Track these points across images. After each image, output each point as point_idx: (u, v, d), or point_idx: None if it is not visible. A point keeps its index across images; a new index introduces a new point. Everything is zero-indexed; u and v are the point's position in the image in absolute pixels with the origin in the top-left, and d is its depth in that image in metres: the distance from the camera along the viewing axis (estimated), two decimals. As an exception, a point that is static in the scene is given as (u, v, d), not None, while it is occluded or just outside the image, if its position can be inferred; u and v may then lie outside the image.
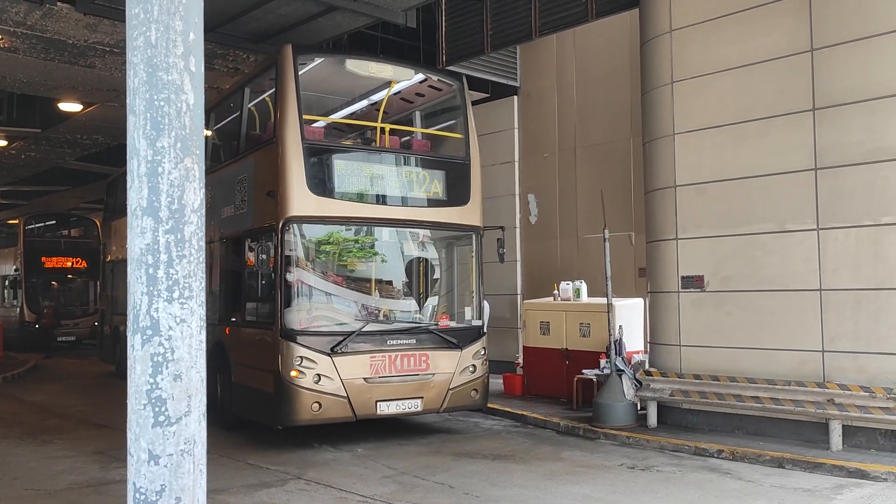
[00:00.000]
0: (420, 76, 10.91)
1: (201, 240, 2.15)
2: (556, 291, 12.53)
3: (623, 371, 10.26)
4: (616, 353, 10.39)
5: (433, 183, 10.01)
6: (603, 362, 10.87)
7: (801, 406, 8.70)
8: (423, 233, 10.14)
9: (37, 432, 10.38)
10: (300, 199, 8.88)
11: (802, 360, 8.94)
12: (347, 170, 9.49)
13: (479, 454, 8.80)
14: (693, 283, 9.97)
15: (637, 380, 10.23)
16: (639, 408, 10.19)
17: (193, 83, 2.16)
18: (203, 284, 2.16)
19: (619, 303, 11.20)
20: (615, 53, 13.74)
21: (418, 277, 10.41)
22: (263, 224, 9.27)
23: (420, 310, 10.23)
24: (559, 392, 12.07)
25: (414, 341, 9.41)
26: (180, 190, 2.11)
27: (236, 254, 10.34)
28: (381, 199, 9.67)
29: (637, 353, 11.30)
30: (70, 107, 17.24)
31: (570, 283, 12.41)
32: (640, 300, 11.91)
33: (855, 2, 8.73)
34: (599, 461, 8.50)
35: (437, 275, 10.51)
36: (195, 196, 2.13)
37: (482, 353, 10.05)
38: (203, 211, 2.18)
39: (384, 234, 9.89)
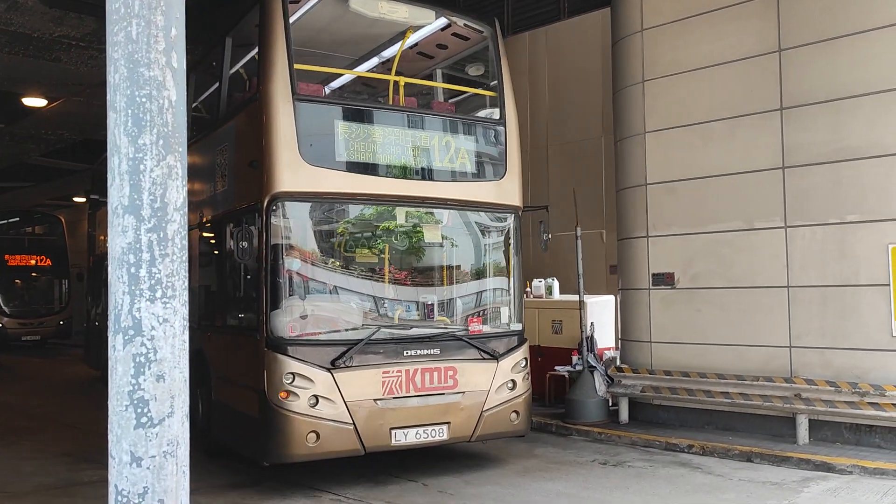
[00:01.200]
0: (442, 20, 8.53)
1: (184, 238, 2.13)
2: (528, 289, 12.59)
3: (595, 368, 10.35)
4: (588, 350, 10.47)
5: (461, 152, 7.91)
6: (575, 359, 10.95)
7: (769, 401, 8.84)
8: (449, 214, 8.00)
9: (3, 433, 10.17)
10: (291, 170, 6.88)
11: (770, 355, 9.10)
12: (351, 134, 7.35)
13: (452, 451, 8.82)
14: (663, 280, 10.09)
15: (608, 376, 10.32)
16: (610, 404, 10.29)
17: (175, 79, 2.13)
18: (186, 284, 2.13)
19: (590, 300, 11.28)
20: (587, 52, 13.84)
21: (442, 271, 8.32)
22: (245, 203, 7.35)
23: (445, 311, 8.17)
24: (531, 389, 12.11)
25: (438, 351, 7.29)
26: (162, 188, 2.09)
27: (216, 242, 8.40)
28: (394, 172, 7.50)
29: (608, 349, 11.40)
30: (34, 101, 16.90)
31: (542, 280, 12.47)
32: (612, 297, 12.02)
33: (820, 4, 8.89)
34: (572, 457, 8.57)
35: (465, 267, 8.47)
36: (178, 194, 2.11)
37: (523, 364, 7.93)
38: (186, 209, 2.15)
39: (399, 217, 7.74)
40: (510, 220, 8.21)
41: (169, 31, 2.10)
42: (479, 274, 8.42)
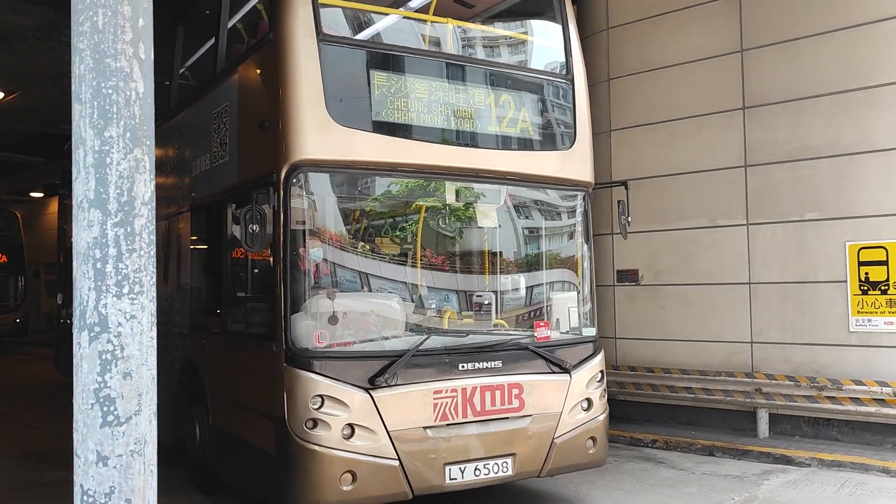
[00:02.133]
0: None
1: (152, 234, 2.09)
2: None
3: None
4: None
5: (521, 113, 6.31)
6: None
7: (730, 396, 8.99)
8: (509, 191, 6.39)
9: (-44, 434, 9.90)
10: (317, 132, 5.32)
11: (732, 351, 9.25)
12: (391, 87, 5.68)
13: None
14: (628, 276, 10.20)
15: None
16: (576, 399, 10.31)
17: (143, 71, 2.09)
18: (154, 280, 2.09)
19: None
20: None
21: (501, 262, 6.67)
22: (253, 177, 5.66)
23: (504, 312, 6.50)
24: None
25: (499, 363, 5.76)
26: (130, 181, 2.04)
27: (213, 227, 6.70)
28: (445, 138, 5.88)
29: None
30: (-11, 94, 16.46)
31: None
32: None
33: (780, 5, 9.05)
34: (538, 453, 8.61)
35: (528, 258, 6.86)
36: (145, 188, 2.07)
37: (600, 378, 6.35)
38: (154, 204, 2.11)
39: (450, 195, 6.18)
40: (580, 200, 6.60)
41: (136, 21, 2.05)
42: (545, 267, 6.84)
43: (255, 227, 5.18)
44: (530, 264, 6.83)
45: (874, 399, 8.04)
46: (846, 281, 8.44)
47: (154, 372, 2.09)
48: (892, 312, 8.19)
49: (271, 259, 5.52)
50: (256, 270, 6.09)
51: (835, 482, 7.13)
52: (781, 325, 8.91)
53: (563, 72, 6.68)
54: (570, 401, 6.05)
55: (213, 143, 6.52)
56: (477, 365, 5.69)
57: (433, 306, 6.14)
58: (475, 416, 5.59)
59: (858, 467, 7.50)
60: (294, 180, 5.28)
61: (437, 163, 5.79)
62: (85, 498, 1.96)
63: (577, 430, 6.10)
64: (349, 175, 5.66)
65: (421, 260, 6.26)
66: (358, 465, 5.19)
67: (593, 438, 6.22)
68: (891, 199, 8.24)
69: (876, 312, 8.27)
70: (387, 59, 5.89)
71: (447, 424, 5.49)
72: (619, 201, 6.96)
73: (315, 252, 5.48)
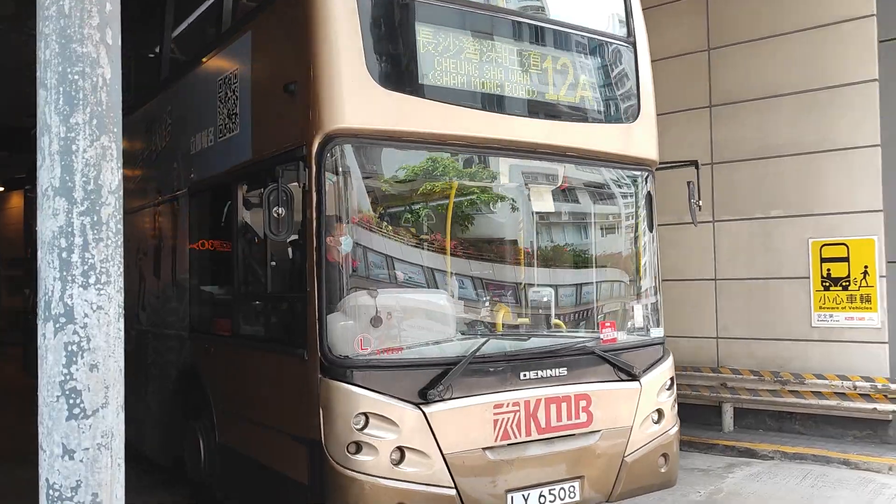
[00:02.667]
0: None
1: (119, 223, 2.05)
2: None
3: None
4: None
5: (583, 80, 5.44)
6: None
7: (696, 391, 9.11)
8: (568, 171, 5.46)
9: None
10: (356, 94, 4.43)
11: (699, 346, 9.38)
12: (440, 44, 4.75)
13: None
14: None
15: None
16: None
17: (110, 56, 2.05)
18: (121, 270, 2.05)
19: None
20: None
21: (560, 253, 5.79)
22: (275, 151, 4.75)
23: (564, 311, 5.61)
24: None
25: (564, 371, 4.94)
26: (96, 170, 2.01)
27: (220, 213, 5.77)
28: (502, 106, 4.99)
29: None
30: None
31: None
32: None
33: (747, 4, 9.18)
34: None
35: (589, 248, 5.91)
36: (113, 176, 2.03)
37: (669, 385, 5.55)
38: (121, 192, 2.07)
39: (504, 173, 5.33)
40: (642, 181, 5.75)
41: (103, 6, 2.01)
42: (608, 258, 5.97)
43: (281, 211, 4.30)
44: (590, 255, 5.85)
45: (835, 393, 8.20)
46: (809, 277, 8.60)
47: (121, 364, 2.06)
48: (853, 308, 8.36)
49: (295, 249, 4.74)
50: (277, 263, 5.14)
51: (797, 474, 7.26)
52: (747, 320, 9.05)
53: (625, 34, 5.80)
54: (640, 413, 5.24)
55: (218, 115, 5.61)
56: (540, 373, 4.83)
57: (486, 303, 5.23)
58: (539, 433, 4.75)
59: (820, 459, 7.64)
60: (329, 154, 4.36)
61: (491, 135, 4.89)
62: (51, 492, 1.92)
63: (649, 446, 5.28)
64: (393, 149, 4.70)
65: (472, 250, 5.31)
66: (410, 497, 4.35)
67: (665, 455, 5.40)
68: (851, 196, 8.41)
69: (837, 308, 8.44)
70: (432, 10, 4.88)
71: (509, 444, 4.65)
72: (688, 182, 6.09)
73: (351, 241, 4.56)
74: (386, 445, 4.29)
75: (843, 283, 8.40)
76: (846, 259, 8.41)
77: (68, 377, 1.95)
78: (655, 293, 5.79)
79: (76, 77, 1.99)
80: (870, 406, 8.01)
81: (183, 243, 6.33)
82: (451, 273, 5.13)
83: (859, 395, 8.11)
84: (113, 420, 2.00)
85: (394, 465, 4.32)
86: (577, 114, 5.37)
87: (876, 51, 8.31)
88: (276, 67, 4.97)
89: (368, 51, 4.46)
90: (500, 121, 4.93)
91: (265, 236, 4.69)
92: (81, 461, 1.94)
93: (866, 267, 8.35)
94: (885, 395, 7.95)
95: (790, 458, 7.80)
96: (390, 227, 4.91)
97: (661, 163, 5.91)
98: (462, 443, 4.50)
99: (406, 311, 4.80)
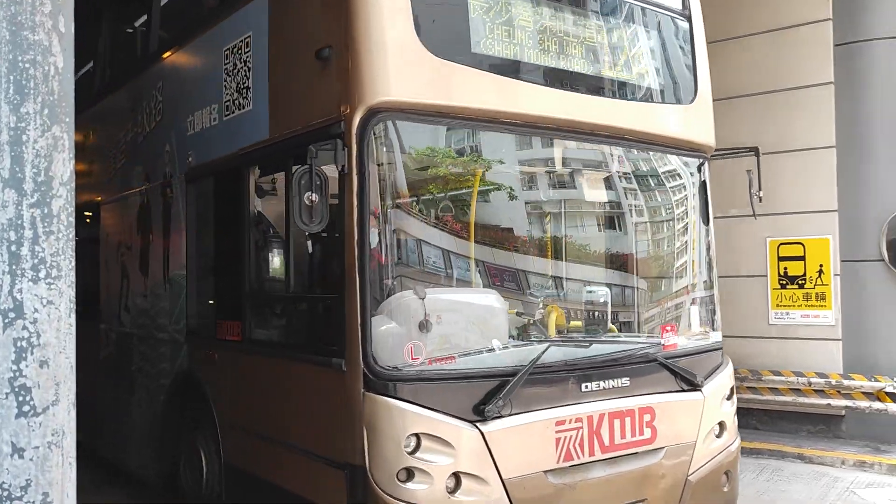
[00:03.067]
0: None
1: (71, 215, 2.01)
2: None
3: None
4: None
5: (642, 55, 4.94)
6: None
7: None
8: (624, 155, 4.88)
9: None
10: (404, 62, 3.84)
11: (660, 343, 9.47)
12: (491, 9, 4.16)
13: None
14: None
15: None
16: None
17: (63, 45, 2.01)
18: (73, 264, 2.01)
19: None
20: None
21: (613, 246, 5.19)
22: (302, 129, 4.12)
23: (620, 314, 5.02)
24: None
25: (627, 381, 4.39)
26: (47, 161, 1.96)
27: (226, 200, 5.08)
28: (559, 80, 4.41)
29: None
30: None
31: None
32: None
33: (705, 9, 9.26)
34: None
35: (642, 241, 5.25)
36: (64, 168, 1.99)
37: (729, 394, 5.01)
38: (73, 184, 2.02)
39: (560, 157, 4.72)
40: (697, 169, 5.20)
41: (57, -8, 1.97)
42: (663, 255, 5.38)
43: (314, 197, 3.66)
44: (646, 251, 5.26)
45: (791, 389, 8.37)
46: (766, 275, 8.76)
47: (73, 360, 2.02)
48: (809, 306, 8.54)
49: (326, 241, 4.15)
50: (301, 257, 4.47)
51: (754, 469, 7.38)
52: (709, 317, 9.18)
53: (681, 8, 5.23)
54: (704, 426, 4.69)
55: (224, 90, 4.94)
56: (602, 384, 4.28)
57: (540, 304, 4.59)
58: (603, 452, 4.21)
59: (776, 454, 7.80)
60: (374, 132, 3.76)
61: (549, 114, 4.29)
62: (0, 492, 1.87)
63: (712, 463, 4.75)
64: (443, 127, 4.10)
65: (524, 244, 4.70)
66: None
67: (728, 473, 4.88)
68: (808, 197, 8.59)
69: (793, 306, 8.62)
70: None
71: (571, 465, 4.08)
72: (747, 171, 5.54)
73: (402, 232, 4.03)
74: (441, 471, 3.68)
75: (800, 282, 8.57)
76: (802, 258, 8.58)
77: (18, 374, 1.90)
78: (713, 293, 5.27)
79: (27, 66, 1.94)
80: (824, 402, 8.19)
81: (178, 236, 5.61)
82: (503, 269, 4.51)
83: (814, 391, 8.29)
84: (64, 418, 1.95)
85: (449, 493, 3.71)
86: (636, 92, 4.83)
87: (832, 54, 8.49)
88: (304, 32, 4.28)
89: (418, 12, 3.86)
90: (558, 98, 4.35)
91: (287, 227, 4.14)
92: (31, 460, 1.90)
93: (821, 266, 8.53)
94: (839, 391, 8.14)
95: (747, 453, 7.88)
96: (439, 217, 4.25)
97: (716, 149, 5.40)
98: (522, 466, 3.91)
99: (457, 313, 4.14)
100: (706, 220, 5.24)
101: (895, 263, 8.48)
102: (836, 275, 8.41)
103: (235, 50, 4.87)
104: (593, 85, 4.58)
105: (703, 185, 5.23)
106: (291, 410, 4.34)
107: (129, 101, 6.64)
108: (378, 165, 3.83)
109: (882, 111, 8.40)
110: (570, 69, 4.45)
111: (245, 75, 4.75)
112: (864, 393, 8.05)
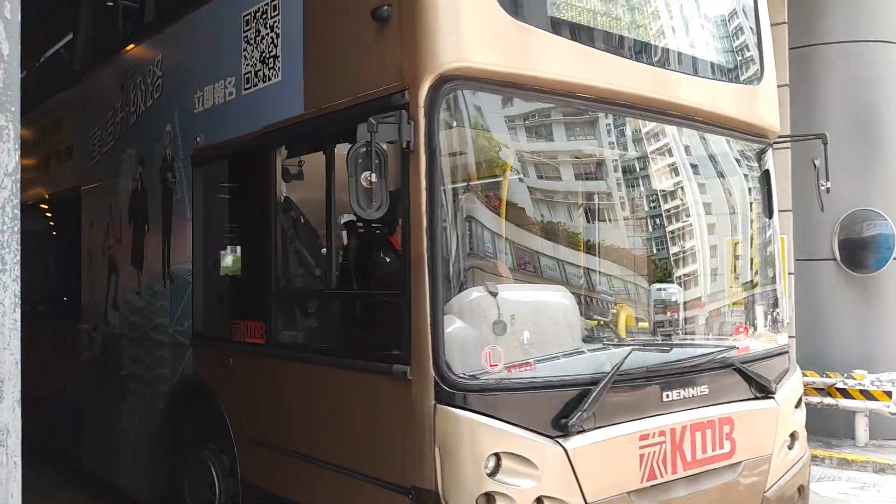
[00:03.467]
0: None
1: (16, 207, 1.94)
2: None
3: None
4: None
5: (712, 29, 4.58)
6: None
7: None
8: (692, 138, 4.41)
9: None
10: (481, 23, 3.40)
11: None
12: None
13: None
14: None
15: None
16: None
17: (9, 32, 1.94)
18: (18, 257, 1.94)
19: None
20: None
21: (682, 239, 4.58)
22: (351, 101, 3.63)
23: (698, 315, 4.55)
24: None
25: (706, 389, 3.97)
26: (-9, 151, 1.89)
27: (245, 185, 4.72)
28: (640, 53, 4.01)
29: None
30: None
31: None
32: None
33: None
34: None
35: (710, 235, 4.70)
36: (9, 158, 1.92)
37: (798, 402, 4.62)
38: (18, 175, 1.95)
39: (636, 136, 4.19)
40: (763, 156, 4.76)
41: (2, -24, 1.89)
42: (730, 249, 4.87)
43: (373, 178, 3.16)
44: (714, 245, 4.75)
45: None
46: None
47: (18, 357, 1.95)
48: (764, 303, 8.63)
49: (381, 230, 3.79)
50: (345, 249, 4.06)
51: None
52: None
53: None
54: (779, 437, 4.31)
55: (244, 60, 4.44)
56: (682, 393, 3.84)
57: (611, 303, 4.15)
58: (685, 469, 3.78)
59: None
60: (445, 103, 3.28)
61: (630, 89, 3.83)
62: (-58, 493, 1.82)
63: (786, 477, 4.36)
64: (519, 99, 3.59)
65: (594, 235, 4.16)
66: None
67: (801, 488, 4.50)
68: None
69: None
70: None
71: (654, 484, 3.65)
72: (813, 160, 4.97)
73: (475, 219, 3.52)
74: (525, 496, 3.21)
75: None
76: None
77: (-41, 372, 1.84)
78: (778, 291, 4.85)
79: (-30, 53, 1.87)
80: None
81: (181, 225, 5.05)
82: (571, 262, 3.99)
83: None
84: (8, 416, 1.90)
85: None
86: (710, 69, 4.39)
87: (787, 57, 8.57)
88: None
89: None
90: (635, 71, 3.89)
91: (329, 214, 3.64)
92: (-26, 460, 1.84)
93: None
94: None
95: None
96: (513, 203, 3.72)
97: (780, 136, 4.99)
98: (606, 487, 3.47)
99: (529, 312, 3.65)
100: (770, 212, 4.79)
101: (847, 263, 8.59)
102: (790, 273, 8.44)
103: (259, 15, 4.33)
104: (670, 59, 4.15)
105: (767, 174, 4.79)
106: (334, 424, 3.77)
107: (117, 78, 6.02)
108: (450, 141, 3.34)
109: (835, 113, 8.52)
110: (649, 41, 4.05)
111: (272, 43, 4.20)
112: (816, 389, 8.15)
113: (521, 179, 3.75)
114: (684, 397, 3.83)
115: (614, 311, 4.10)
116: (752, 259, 4.93)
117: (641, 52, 3.99)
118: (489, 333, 3.33)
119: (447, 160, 3.31)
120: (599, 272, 4.11)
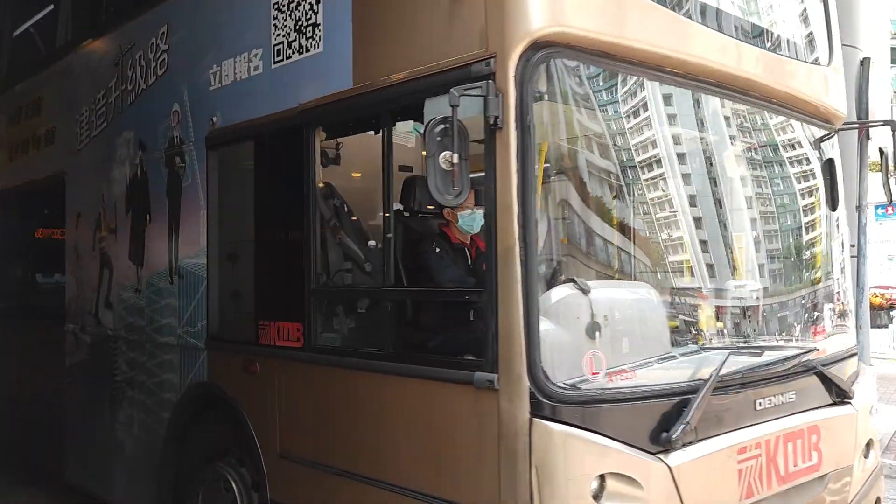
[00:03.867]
0: None
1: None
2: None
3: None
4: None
5: (785, 4, 4.27)
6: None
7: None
8: (766, 121, 4.06)
9: None
10: None
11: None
12: None
13: None
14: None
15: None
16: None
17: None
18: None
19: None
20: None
21: (762, 232, 4.16)
22: (424, 70, 3.10)
23: (777, 314, 4.16)
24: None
25: (792, 396, 3.61)
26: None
27: (275, 169, 4.11)
28: (729, 27, 3.68)
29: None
30: None
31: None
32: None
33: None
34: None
35: (783, 225, 4.32)
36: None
37: (872, 405, 4.36)
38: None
39: (712, 121, 3.83)
40: (825, 143, 4.40)
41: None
42: (801, 244, 4.47)
43: (455, 158, 2.75)
44: (787, 239, 4.35)
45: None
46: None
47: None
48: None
49: (473, 215, 3.39)
50: (406, 237, 3.64)
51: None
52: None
53: None
54: (858, 445, 4.01)
55: (274, 30, 3.95)
56: (773, 400, 3.48)
57: (698, 301, 3.72)
58: (779, 484, 3.44)
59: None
60: (539, 74, 2.87)
61: (719, 66, 3.48)
62: None
63: (865, 488, 4.06)
64: (619, 71, 3.21)
65: (689, 227, 3.72)
66: None
67: (878, 500, 4.25)
68: None
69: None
70: None
71: (752, 502, 3.32)
72: (880, 149, 4.61)
73: (568, 205, 3.16)
74: None
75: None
76: None
77: None
78: (847, 289, 4.55)
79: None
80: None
81: (192, 215, 4.54)
82: (666, 257, 3.60)
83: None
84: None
85: None
86: (789, 47, 4.04)
87: None
88: None
89: None
90: (724, 46, 3.54)
91: (386, 200, 3.26)
92: None
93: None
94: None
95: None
96: (610, 189, 3.31)
97: (846, 121, 4.58)
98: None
99: (622, 312, 3.22)
100: (835, 204, 4.46)
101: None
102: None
103: None
104: (757, 36, 3.82)
105: (832, 162, 4.41)
106: (395, 439, 3.31)
107: (110, 54, 5.47)
108: (544, 117, 2.95)
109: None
110: (741, 17, 3.76)
111: (311, 9, 3.72)
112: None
113: (618, 163, 3.34)
114: (775, 405, 3.48)
115: (701, 309, 3.72)
116: (825, 255, 4.61)
117: (734, 26, 3.65)
118: (582, 337, 2.91)
119: (540, 138, 2.89)
120: (689, 267, 3.69)
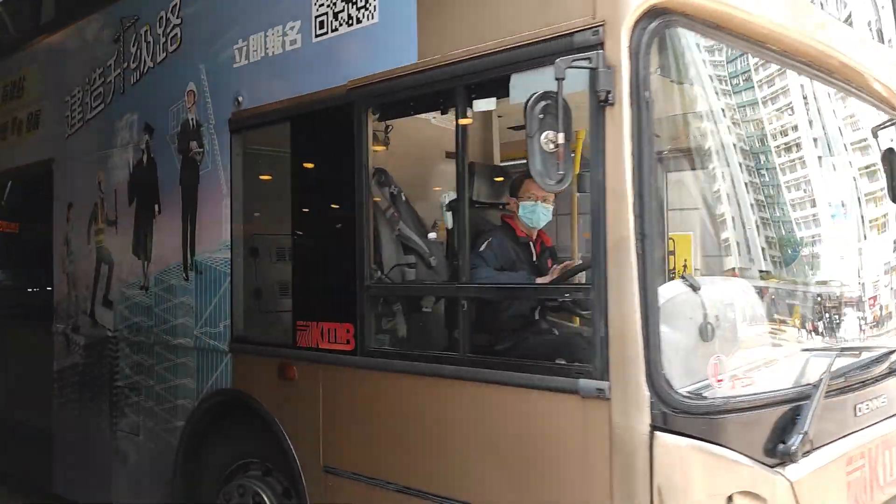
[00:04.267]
0: None
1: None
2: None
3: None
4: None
5: None
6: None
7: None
8: (850, 106, 3.79)
9: None
10: None
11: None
12: None
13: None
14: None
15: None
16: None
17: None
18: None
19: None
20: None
21: (854, 224, 3.89)
22: (517, 40, 2.74)
23: (876, 310, 3.90)
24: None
25: (885, 400, 3.35)
26: None
27: (317, 153, 3.67)
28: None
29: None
30: None
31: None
32: None
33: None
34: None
35: (871, 219, 4.06)
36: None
37: None
38: None
39: (820, 100, 3.52)
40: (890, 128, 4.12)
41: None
42: (877, 237, 4.17)
43: (560, 138, 2.45)
44: (872, 229, 4.05)
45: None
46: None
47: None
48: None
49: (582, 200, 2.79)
50: (482, 229, 3.38)
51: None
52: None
53: None
54: None
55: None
56: (870, 405, 3.23)
57: (796, 298, 3.42)
58: (880, 496, 3.23)
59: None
60: (657, 45, 2.59)
61: (817, 45, 3.18)
62: None
63: None
64: (736, 46, 2.93)
65: (802, 216, 3.43)
66: None
67: None
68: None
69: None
70: None
71: None
72: (889, 150, 4.19)
73: (688, 188, 2.95)
74: None
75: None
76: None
77: None
78: None
79: None
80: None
81: (213, 204, 4.09)
82: (771, 251, 3.29)
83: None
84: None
85: None
86: (870, 28, 3.79)
87: None
88: None
89: None
90: (829, 27, 3.29)
91: (460, 186, 2.96)
92: None
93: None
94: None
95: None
96: (733, 174, 2.98)
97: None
98: None
99: (731, 311, 2.92)
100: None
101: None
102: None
103: None
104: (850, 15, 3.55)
105: (892, 150, 4.11)
106: (468, 454, 2.95)
107: (109, 30, 5.02)
108: (662, 93, 2.63)
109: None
110: None
111: None
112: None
113: (738, 145, 3.01)
114: (872, 409, 3.23)
115: (797, 307, 3.42)
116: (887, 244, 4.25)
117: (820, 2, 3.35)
118: (697, 339, 2.60)
119: (657, 116, 2.56)
120: (790, 260, 3.39)
